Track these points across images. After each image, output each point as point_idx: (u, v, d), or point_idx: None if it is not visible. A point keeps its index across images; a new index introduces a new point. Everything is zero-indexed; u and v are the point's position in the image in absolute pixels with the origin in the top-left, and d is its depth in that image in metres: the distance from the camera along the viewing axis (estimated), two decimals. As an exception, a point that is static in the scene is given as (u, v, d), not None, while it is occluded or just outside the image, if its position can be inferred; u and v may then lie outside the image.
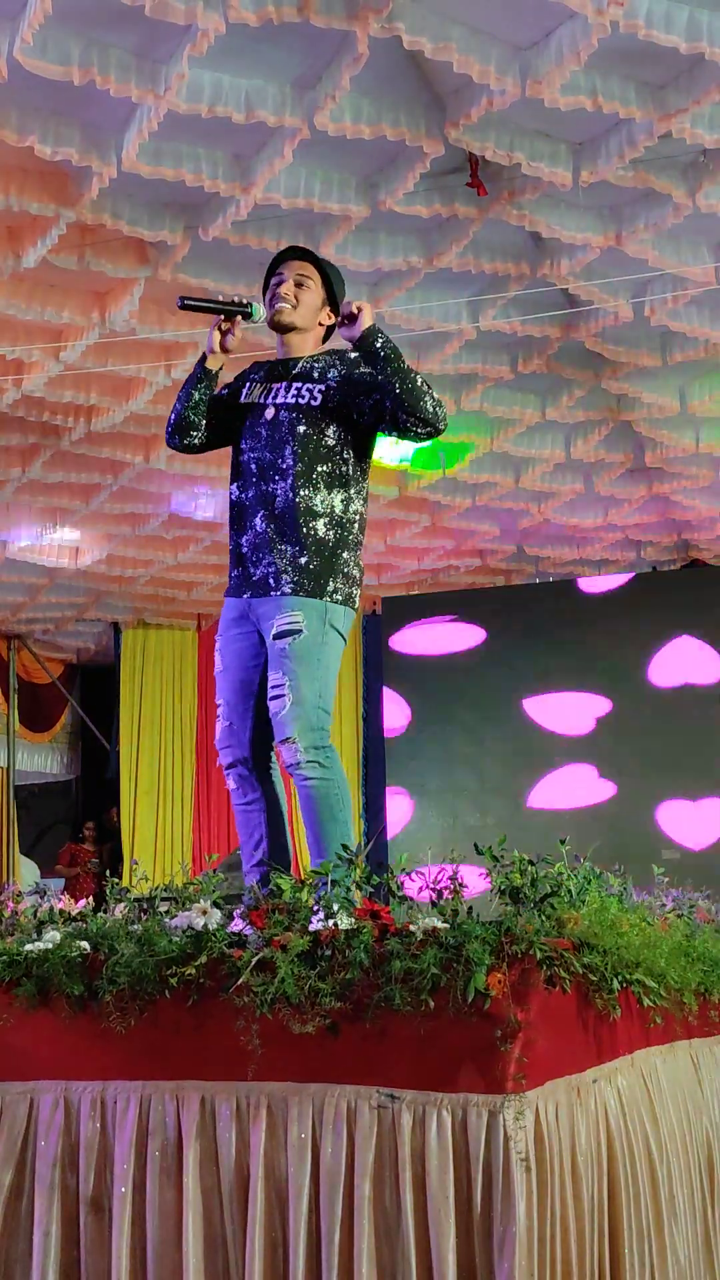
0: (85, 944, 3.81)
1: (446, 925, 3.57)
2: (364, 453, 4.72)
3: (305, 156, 6.92)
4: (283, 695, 4.48)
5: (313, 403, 4.61)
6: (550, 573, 14.14)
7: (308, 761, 4.46)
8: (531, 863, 3.85)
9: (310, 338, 4.80)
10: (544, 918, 3.68)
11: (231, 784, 4.74)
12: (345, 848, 3.99)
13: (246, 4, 5.72)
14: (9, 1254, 3.76)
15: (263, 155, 6.94)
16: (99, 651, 16.50)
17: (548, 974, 3.53)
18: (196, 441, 4.79)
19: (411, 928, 3.57)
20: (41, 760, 16.41)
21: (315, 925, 3.64)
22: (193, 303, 4.65)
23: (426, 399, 4.55)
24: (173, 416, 4.75)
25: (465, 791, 13.68)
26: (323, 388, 4.63)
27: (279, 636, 4.52)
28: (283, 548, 4.57)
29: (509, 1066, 3.45)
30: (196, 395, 4.72)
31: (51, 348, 8.78)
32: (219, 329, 4.68)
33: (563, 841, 4.02)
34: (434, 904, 3.67)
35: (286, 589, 4.54)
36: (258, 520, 4.64)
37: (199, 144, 6.96)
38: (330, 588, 4.58)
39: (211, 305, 4.68)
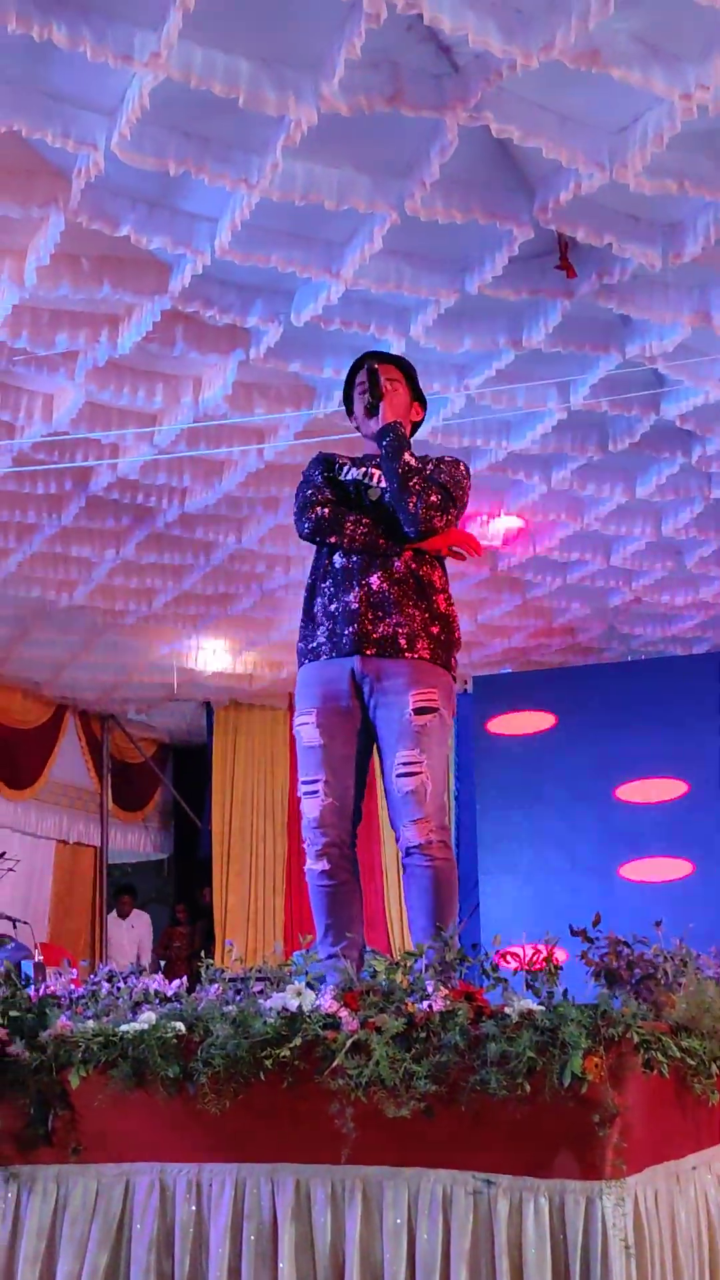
0: (180, 1025, 3.82)
1: (542, 1007, 3.55)
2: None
3: (395, 241, 6.99)
4: (420, 774, 4.43)
5: None
6: (642, 651, 14.06)
7: (438, 842, 4.43)
8: (626, 944, 3.83)
9: None
10: (640, 1000, 3.64)
11: (325, 865, 4.57)
12: (439, 929, 3.98)
13: (338, 95, 5.81)
14: (104, 1338, 3.75)
15: (353, 241, 7.03)
16: (191, 731, 16.57)
17: (645, 1058, 3.50)
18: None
19: (506, 1010, 3.55)
20: (134, 839, 16.48)
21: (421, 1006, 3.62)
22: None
23: (411, 499, 4.58)
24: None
25: (556, 870, 13.54)
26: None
27: (420, 712, 4.46)
28: (412, 611, 4.55)
29: (607, 1152, 3.41)
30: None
31: (145, 432, 8.90)
32: None
33: (658, 924, 3.99)
34: (529, 985, 3.65)
35: (424, 654, 4.51)
36: (373, 579, 4.60)
37: (291, 231, 7.06)
38: (450, 665, 4.62)
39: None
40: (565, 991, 3.61)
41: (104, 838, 15.72)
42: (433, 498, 4.58)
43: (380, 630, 4.54)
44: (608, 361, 8.30)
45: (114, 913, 15.15)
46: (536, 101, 6.04)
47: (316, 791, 4.59)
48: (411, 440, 4.88)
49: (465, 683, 14.74)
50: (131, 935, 14.90)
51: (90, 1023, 3.93)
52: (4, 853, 13.31)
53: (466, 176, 6.62)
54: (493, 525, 10.60)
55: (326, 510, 4.73)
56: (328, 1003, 3.75)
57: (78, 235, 6.84)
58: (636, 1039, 3.47)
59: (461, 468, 4.81)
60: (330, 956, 4.49)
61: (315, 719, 4.62)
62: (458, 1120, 3.53)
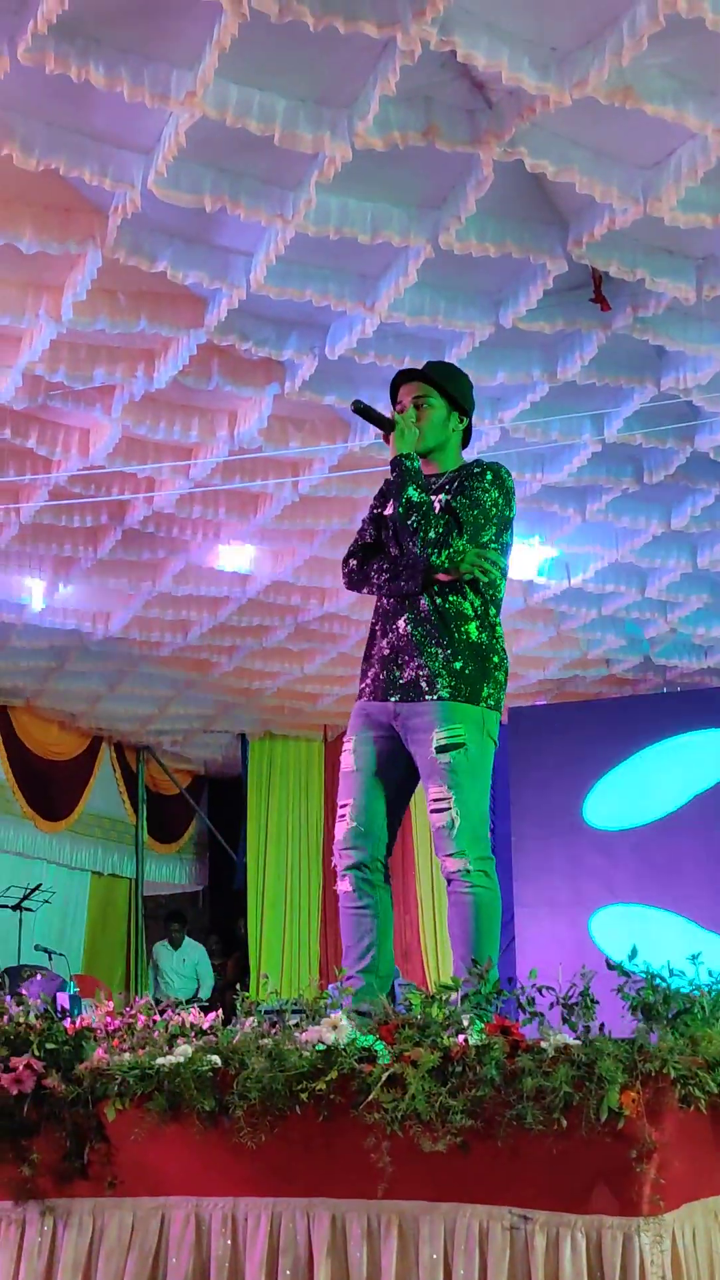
0: (216, 1058, 3.81)
1: (578, 1042, 3.54)
2: (494, 570, 4.72)
3: (429, 275, 7.03)
4: (448, 809, 4.47)
5: None
6: (678, 683, 14.02)
7: (475, 872, 4.47)
8: (663, 978, 3.81)
9: (449, 449, 4.88)
10: (677, 1035, 3.63)
11: (348, 886, 4.66)
12: (475, 962, 3.97)
13: (373, 131, 5.85)
14: None
15: (388, 275, 7.07)
16: (226, 763, 16.59)
17: (682, 1093, 3.48)
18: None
19: (543, 1044, 3.54)
20: (169, 871, 16.49)
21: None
22: (362, 406, 4.82)
23: (410, 539, 4.60)
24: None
25: (593, 903, 13.49)
26: (443, 497, 4.70)
27: (441, 750, 4.49)
28: (433, 650, 4.58)
29: (645, 1188, 3.39)
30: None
31: (181, 465, 8.95)
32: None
33: (694, 958, 3.97)
34: (565, 1020, 3.64)
35: (444, 694, 4.54)
36: (401, 623, 4.66)
37: (325, 264, 7.10)
38: (485, 693, 4.60)
39: (376, 416, 4.82)
40: (602, 1026, 3.60)
41: (139, 869, 15.74)
42: (430, 534, 4.56)
43: (405, 675, 4.62)
44: (642, 394, 8.32)
45: (163, 942, 14.81)
46: (570, 137, 6.08)
47: (344, 815, 4.72)
48: (464, 447, 4.92)
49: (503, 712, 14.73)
50: (184, 967, 14.57)
51: (126, 1055, 3.94)
52: (40, 884, 13.35)
53: (500, 211, 6.65)
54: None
55: (355, 562, 4.85)
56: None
57: (115, 271, 6.90)
58: (673, 1074, 3.45)
59: (487, 481, 4.71)
60: (350, 978, 4.55)
61: (353, 746, 4.74)
62: (494, 1155, 3.51)
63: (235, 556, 10.62)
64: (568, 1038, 3.54)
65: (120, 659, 12.86)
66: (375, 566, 4.78)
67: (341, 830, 4.71)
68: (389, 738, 4.67)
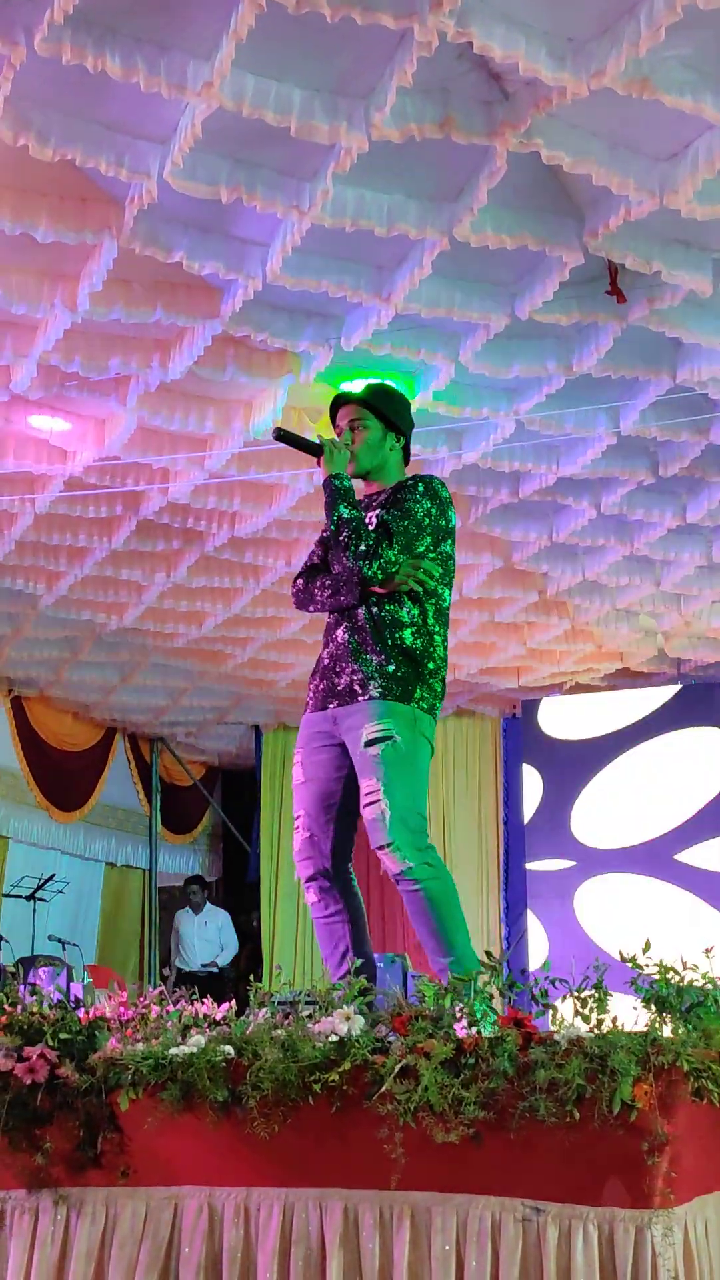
0: (229, 1049, 3.82)
1: (591, 1034, 3.54)
2: (440, 576, 4.79)
3: (445, 266, 7.02)
4: (377, 801, 4.52)
5: None
6: (692, 675, 14.00)
7: (417, 865, 4.50)
8: (676, 971, 3.80)
9: (388, 469, 4.96)
10: (690, 1028, 3.62)
11: (312, 897, 4.77)
12: (490, 954, 3.97)
13: (389, 122, 5.84)
14: None
15: (403, 266, 7.06)
16: (240, 754, 16.61)
17: (695, 1086, 3.47)
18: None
19: (556, 1036, 3.54)
20: (183, 862, 16.51)
21: (460, 1033, 3.62)
22: (285, 434, 4.92)
23: (343, 554, 4.68)
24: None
25: (607, 896, 13.51)
26: (379, 513, 4.78)
27: (370, 744, 4.57)
28: (369, 656, 4.66)
29: (656, 1181, 3.39)
30: None
31: (196, 456, 8.95)
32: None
33: (708, 952, 3.96)
34: (578, 1013, 3.64)
35: (375, 694, 4.61)
36: (339, 632, 4.77)
37: (341, 256, 7.09)
38: (418, 694, 4.66)
39: (299, 441, 4.95)
40: (615, 1018, 3.60)
41: (153, 860, 15.76)
42: (361, 546, 4.63)
43: (341, 682, 4.72)
44: (658, 386, 8.30)
45: (184, 909, 14.58)
46: (587, 128, 6.06)
47: (298, 826, 4.80)
48: (406, 464, 5.01)
49: (514, 707, 14.74)
50: (206, 931, 14.30)
51: (139, 1046, 3.94)
52: (53, 875, 13.37)
53: (516, 202, 6.64)
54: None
55: (301, 582, 4.96)
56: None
57: (130, 261, 6.90)
58: (686, 1067, 3.44)
59: (419, 492, 4.79)
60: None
61: (301, 758, 4.85)
62: (506, 1147, 3.51)
63: (250, 547, 10.64)
64: (581, 1030, 3.54)
65: (134, 650, 12.88)
66: (319, 584, 4.87)
67: (298, 841, 4.80)
68: (334, 745, 4.75)
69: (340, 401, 5.01)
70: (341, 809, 4.75)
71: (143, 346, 7.90)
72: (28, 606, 11.54)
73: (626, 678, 14.15)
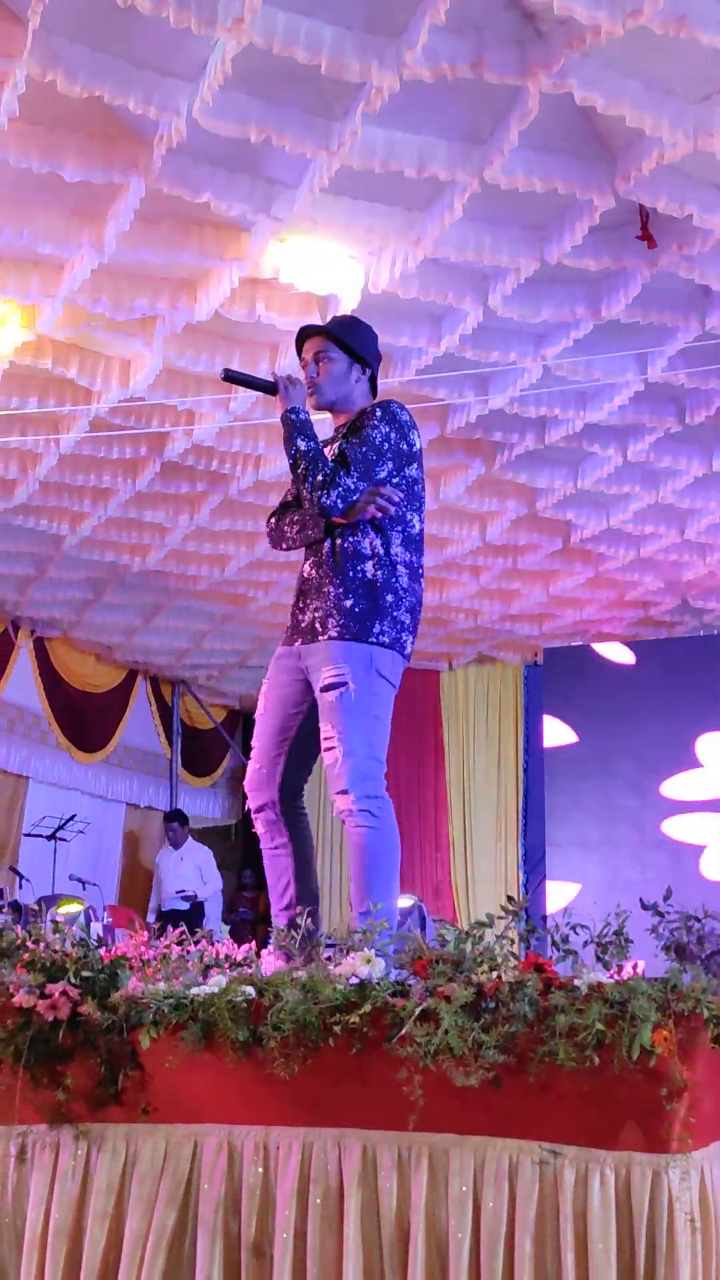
0: (250, 989, 3.84)
1: (611, 980, 3.55)
2: (405, 501, 4.77)
3: (475, 210, 6.96)
4: (334, 748, 4.55)
5: None
6: (716, 625, 13.97)
7: (360, 810, 4.53)
8: (697, 919, 3.82)
9: (354, 401, 4.95)
10: (710, 975, 3.63)
11: (260, 828, 4.82)
12: (510, 899, 3.98)
13: (420, 61, 5.78)
14: (171, 1296, 3.79)
15: (433, 209, 7.00)
16: (261, 697, 16.58)
17: (714, 1033, 3.49)
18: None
19: (576, 982, 3.55)
20: (203, 804, 16.56)
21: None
22: (234, 375, 4.90)
23: (301, 486, 4.68)
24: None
25: (625, 845, 13.55)
26: (340, 443, 4.78)
27: (327, 689, 4.58)
28: (327, 590, 4.67)
29: (674, 1126, 3.41)
30: None
31: (222, 398, 8.92)
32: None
33: (729, 899, 3.97)
34: (599, 959, 3.65)
35: (332, 633, 4.62)
36: (306, 567, 4.80)
37: (370, 198, 7.04)
38: (376, 629, 4.64)
39: (251, 380, 4.92)
40: (636, 965, 3.60)
41: (173, 802, 15.81)
42: (319, 476, 4.61)
43: (305, 618, 4.73)
44: (686, 333, 8.24)
45: (164, 847, 14.41)
46: (621, 69, 5.99)
47: (252, 758, 4.85)
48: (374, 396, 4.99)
49: (536, 654, 14.73)
50: (182, 867, 14.01)
51: (161, 985, 3.96)
52: (74, 815, 13.44)
53: (548, 145, 6.58)
54: None
55: (274, 520, 4.96)
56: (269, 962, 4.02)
57: (158, 201, 6.86)
58: (706, 1014, 3.46)
59: (377, 418, 4.76)
60: (276, 915, 4.72)
61: (265, 690, 4.87)
62: (525, 1090, 3.53)
63: (274, 490, 10.59)
64: (601, 976, 3.55)
65: (157, 592, 12.88)
66: (289, 520, 4.88)
67: (250, 772, 4.85)
68: (298, 681, 4.76)
69: (305, 334, 5.00)
70: (295, 744, 4.78)
71: (170, 287, 7.85)
72: (51, 547, 11.53)
73: (649, 626, 14.12)
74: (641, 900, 3.80)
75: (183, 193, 6.77)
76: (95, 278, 7.54)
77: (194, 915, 13.22)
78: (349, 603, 4.62)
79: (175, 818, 14.36)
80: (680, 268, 7.46)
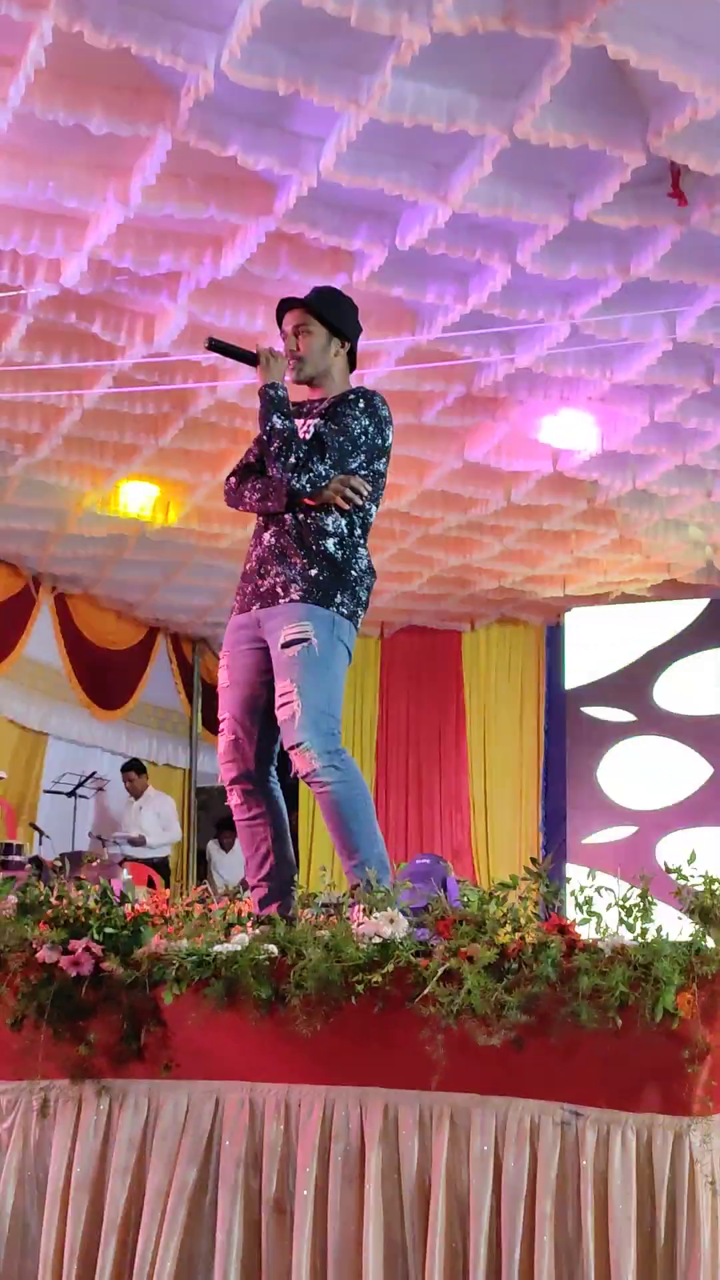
0: (273, 947, 3.84)
1: (636, 942, 3.54)
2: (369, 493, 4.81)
3: (504, 166, 6.89)
4: (291, 702, 4.56)
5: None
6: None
7: (324, 767, 4.55)
8: (721, 882, 3.79)
9: (333, 375, 5.00)
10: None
11: (235, 800, 4.82)
12: (534, 860, 3.96)
13: (451, 14, 5.72)
14: (192, 1251, 3.80)
15: (462, 165, 6.94)
16: (281, 657, 16.56)
17: (738, 996, 3.48)
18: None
19: (600, 944, 3.55)
20: (222, 763, 16.55)
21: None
22: (218, 345, 4.95)
23: (273, 465, 4.71)
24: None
25: (648, 806, 13.54)
26: (316, 423, 4.81)
27: (287, 645, 4.61)
28: (291, 560, 4.70)
29: (696, 1089, 3.41)
30: None
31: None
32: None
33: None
34: (623, 921, 3.64)
35: (295, 596, 4.65)
36: (267, 535, 4.80)
37: (398, 153, 6.97)
38: (338, 600, 4.69)
39: (233, 351, 4.96)
40: (659, 928, 3.60)
41: (192, 760, 15.84)
42: (292, 459, 4.67)
43: (265, 585, 4.75)
44: (716, 292, 8.16)
45: (127, 799, 13.76)
46: (654, 23, 5.91)
47: (222, 729, 4.86)
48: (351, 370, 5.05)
49: (559, 616, 14.70)
50: (142, 816, 13.44)
51: (184, 942, 3.97)
52: (94, 772, 13.46)
53: (579, 100, 6.50)
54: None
55: (234, 480, 4.97)
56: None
57: (184, 155, 6.81)
58: (730, 977, 3.46)
59: (359, 409, 4.82)
60: (254, 887, 4.73)
61: (226, 661, 4.91)
62: (547, 1052, 3.54)
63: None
64: (625, 939, 3.55)
65: (179, 550, 12.86)
66: (250, 485, 4.89)
67: (222, 744, 4.86)
68: (258, 648, 4.78)
69: (286, 306, 5.03)
70: (265, 712, 4.78)
71: (195, 242, 7.81)
72: (73, 504, 11.52)
73: (672, 589, 14.06)
74: (665, 864, 3.78)
75: (210, 146, 6.71)
76: (121, 232, 7.50)
77: (157, 867, 12.76)
78: (314, 571, 4.67)
79: (132, 767, 13.93)
80: (711, 226, 7.38)
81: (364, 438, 4.78)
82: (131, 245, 7.68)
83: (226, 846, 14.56)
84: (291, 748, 4.57)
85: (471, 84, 6.43)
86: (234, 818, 4.85)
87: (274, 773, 4.87)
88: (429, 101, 6.42)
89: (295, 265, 7.92)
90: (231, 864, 14.38)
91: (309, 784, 4.59)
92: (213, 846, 14.76)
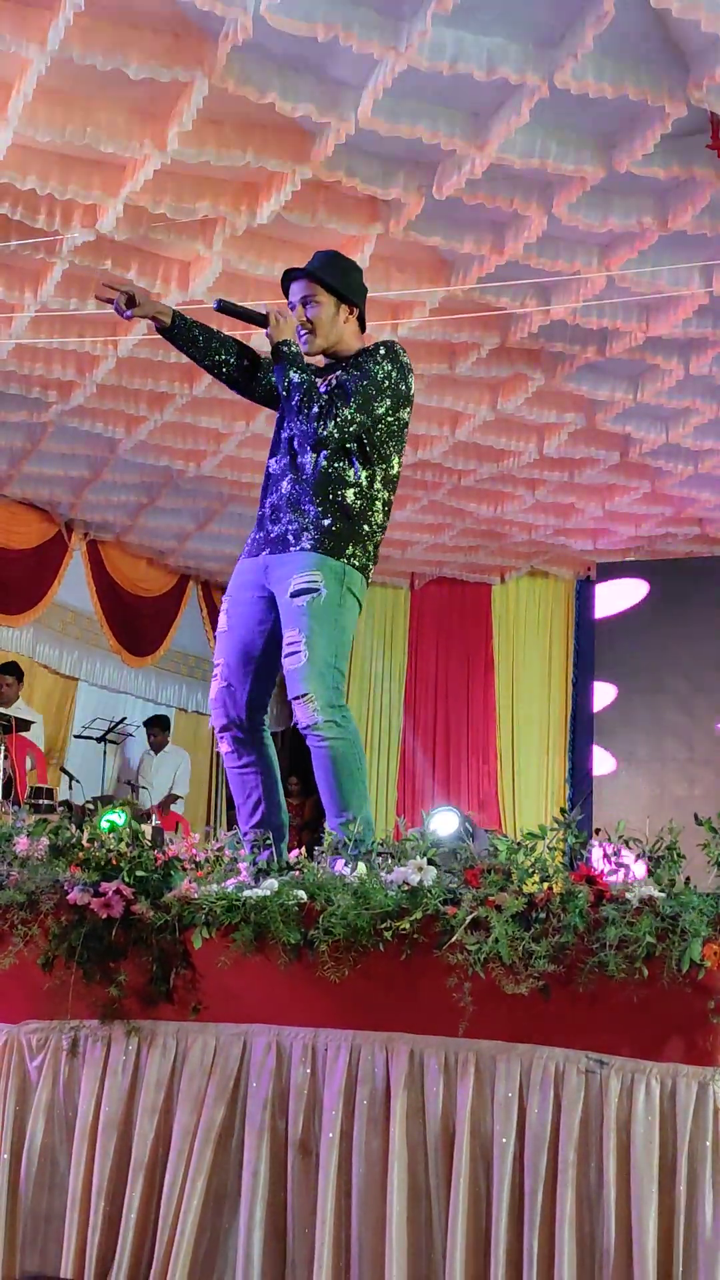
0: (302, 893, 3.87)
1: (663, 894, 3.56)
2: (385, 444, 4.81)
3: (542, 116, 6.85)
4: (299, 652, 4.57)
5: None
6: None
7: (325, 721, 4.57)
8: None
9: (345, 340, 5.00)
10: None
11: (226, 747, 4.83)
12: (563, 810, 3.98)
13: (493, -40, 5.68)
14: (219, 1191, 3.86)
15: (500, 114, 6.89)
16: (312, 607, 16.56)
17: (764, 949, 3.50)
18: (222, 372, 5.15)
19: (628, 895, 3.57)
20: (252, 711, 16.58)
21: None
22: (228, 306, 5.04)
23: (297, 417, 4.73)
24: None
25: (674, 761, 13.55)
26: (339, 373, 4.84)
27: (296, 594, 4.60)
28: (306, 508, 4.69)
29: (720, 1039, 3.43)
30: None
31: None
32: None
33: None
34: (651, 873, 3.66)
35: (306, 545, 4.65)
36: (284, 483, 4.79)
37: (436, 102, 6.93)
38: (350, 551, 4.69)
39: (244, 312, 5.04)
40: (687, 880, 3.62)
41: (223, 708, 15.84)
42: (315, 408, 4.69)
43: (276, 531, 4.75)
44: (755, 245, 8.12)
45: (146, 752, 13.89)
46: (699, -30, 5.86)
47: (216, 674, 4.84)
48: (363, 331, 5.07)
49: (590, 569, 14.67)
50: (162, 772, 13.64)
51: (214, 887, 4.01)
52: (125, 718, 13.51)
53: (620, 50, 6.45)
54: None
55: (242, 364, 5.12)
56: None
57: (222, 101, 6.78)
58: (757, 929, 3.48)
59: (380, 355, 4.83)
60: (244, 834, 4.70)
61: (227, 606, 4.89)
62: (573, 1001, 3.56)
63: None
64: (653, 890, 3.57)
65: (211, 498, 12.87)
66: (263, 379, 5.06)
67: (215, 690, 4.84)
68: (262, 597, 4.77)
69: (291, 277, 5.06)
70: (260, 661, 4.79)
71: (231, 190, 7.78)
72: (106, 450, 11.53)
73: (704, 544, 14.02)
74: (696, 815, 3.79)
75: (248, 92, 6.68)
76: (157, 178, 7.48)
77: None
78: (327, 521, 4.67)
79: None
80: (751, 177, 7.34)
81: (388, 382, 4.78)
82: (168, 191, 7.66)
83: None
84: (295, 698, 4.59)
85: (512, 32, 6.38)
86: (225, 765, 4.86)
87: (266, 720, 4.89)
88: (469, 49, 6.38)
89: (331, 213, 7.89)
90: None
91: (307, 736, 4.60)
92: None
